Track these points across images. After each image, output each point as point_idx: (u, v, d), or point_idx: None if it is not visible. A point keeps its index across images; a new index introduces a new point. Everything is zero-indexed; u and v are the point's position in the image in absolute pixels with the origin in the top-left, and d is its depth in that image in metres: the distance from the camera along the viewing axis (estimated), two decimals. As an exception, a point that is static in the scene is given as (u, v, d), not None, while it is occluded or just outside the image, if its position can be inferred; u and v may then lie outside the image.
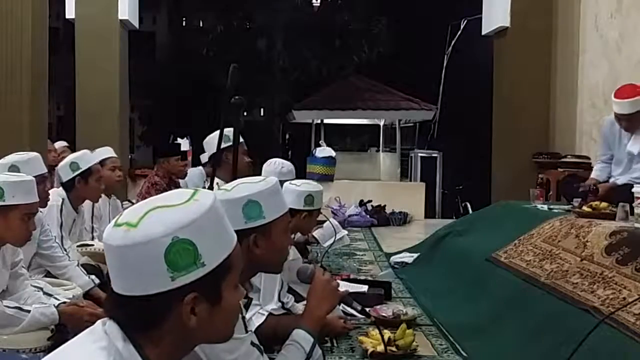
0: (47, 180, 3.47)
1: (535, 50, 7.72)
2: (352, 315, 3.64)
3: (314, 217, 3.39)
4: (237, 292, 1.18)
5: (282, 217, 1.89)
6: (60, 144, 6.86)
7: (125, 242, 1.07)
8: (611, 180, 4.53)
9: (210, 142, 4.11)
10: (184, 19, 23.90)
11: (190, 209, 1.10)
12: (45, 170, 3.40)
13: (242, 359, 1.69)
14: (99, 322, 1.12)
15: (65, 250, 3.46)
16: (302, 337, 1.91)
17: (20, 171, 3.13)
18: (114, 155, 4.56)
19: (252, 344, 1.76)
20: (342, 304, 3.68)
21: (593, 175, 4.68)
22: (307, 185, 3.36)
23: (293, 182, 3.43)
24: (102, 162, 4.31)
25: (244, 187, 1.85)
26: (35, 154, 3.46)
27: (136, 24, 9.11)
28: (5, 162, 3.29)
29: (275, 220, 1.85)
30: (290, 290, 3.18)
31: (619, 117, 4.32)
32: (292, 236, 3.38)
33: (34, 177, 3.02)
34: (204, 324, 1.10)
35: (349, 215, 8.07)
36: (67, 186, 3.75)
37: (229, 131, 3.91)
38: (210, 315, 1.11)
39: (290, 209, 3.11)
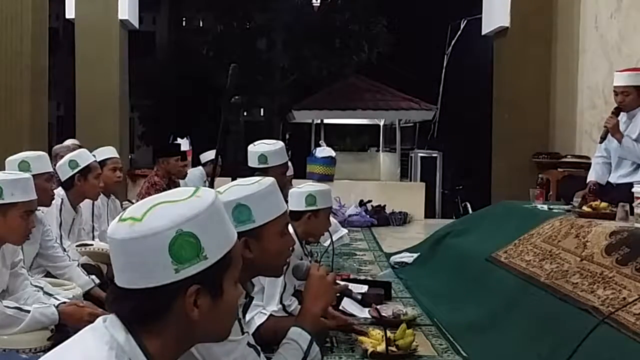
0: (53, 179, 3.48)
1: (535, 50, 7.72)
2: (352, 315, 3.64)
3: (321, 218, 3.30)
4: (237, 289, 1.21)
5: (277, 220, 1.82)
6: (71, 142, 6.82)
7: (131, 235, 1.09)
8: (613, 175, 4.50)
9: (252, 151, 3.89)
10: (184, 19, 23.95)
11: (193, 204, 1.13)
12: (51, 169, 3.43)
13: None
14: (99, 318, 1.14)
15: (65, 249, 3.46)
16: (298, 335, 1.87)
17: (30, 167, 3.18)
18: (116, 155, 4.53)
19: (249, 344, 1.75)
20: (342, 303, 3.70)
21: (593, 177, 4.63)
22: (309, 186, 3.32)
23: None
24: (103, 162, 4.30)
25: (235, 190, 1.80)
26: (43, 152, 3.52)
27: (136, 24, 9.11)
28: (16, 158, 3.33)
29: (267, 224, 1.79)
30: (296, 293, 3.12)
31: (615, 91, 4.46)
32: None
33: (41, 174, 3.06)
34: (205, 318, 1.12)
35: (349, 215, 8.07)
36: (67, 184, 3.76)
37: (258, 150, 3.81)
38: (211, 309, 1.13)
39: (294, 212, 3.10)
